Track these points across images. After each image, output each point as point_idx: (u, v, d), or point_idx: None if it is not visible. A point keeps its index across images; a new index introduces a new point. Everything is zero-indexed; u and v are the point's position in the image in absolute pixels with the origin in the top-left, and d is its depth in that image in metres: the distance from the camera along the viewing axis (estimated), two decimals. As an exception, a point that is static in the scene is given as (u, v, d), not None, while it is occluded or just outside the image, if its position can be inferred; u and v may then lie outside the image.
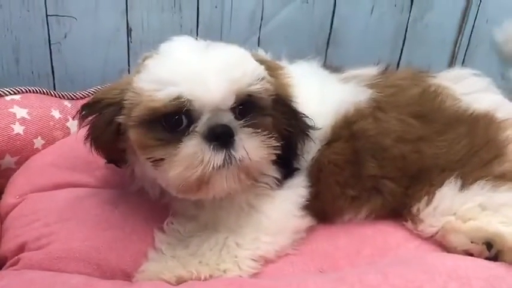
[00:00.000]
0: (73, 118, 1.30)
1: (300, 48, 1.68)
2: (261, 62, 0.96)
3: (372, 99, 1.05)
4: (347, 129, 1.01)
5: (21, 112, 1.21)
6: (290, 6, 1.65)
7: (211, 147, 0.84)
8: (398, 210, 1.05)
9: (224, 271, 0.91)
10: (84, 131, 0.99)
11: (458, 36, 1.70)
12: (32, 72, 1.56)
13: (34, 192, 1.11)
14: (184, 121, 0.86)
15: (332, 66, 1.22)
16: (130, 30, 1.58)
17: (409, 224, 1.03)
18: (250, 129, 0.87)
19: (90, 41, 1.56)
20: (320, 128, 0.98)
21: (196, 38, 0.97)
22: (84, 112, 0.97)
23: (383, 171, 1.02)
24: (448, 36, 1.70)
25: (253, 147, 0.86)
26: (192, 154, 0.84)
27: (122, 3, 1.54)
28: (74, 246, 0.96)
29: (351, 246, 1.01)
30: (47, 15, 1.49)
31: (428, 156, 1.02)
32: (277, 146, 0.90)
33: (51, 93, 1.36)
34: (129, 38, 1.59)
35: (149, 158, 0.89)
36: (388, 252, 0.98)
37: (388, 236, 1.03)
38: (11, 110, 1.20)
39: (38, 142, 1.23)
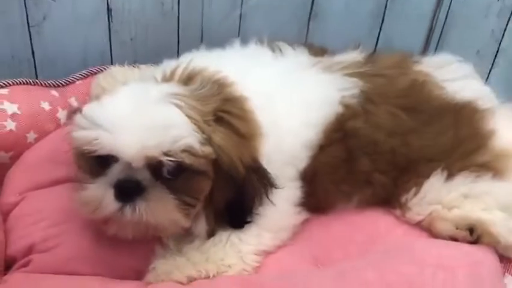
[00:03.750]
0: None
1: (282, 23, 1.69)
2: (231, 126, 0.93)
3: (361, 92, 1.08)
4: (340, 131, 1.04)
5: (11, 108, 1.20)
6: (272, -19, 1.64)
7: (112, 195, 0.87)
8: (387, 199, 1.12)
9: (229, 266, 0.97)
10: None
11: (435, 12, 1.72)
12: (12, 57, 1.52)
13: (34, 189, 1.12)
14: (105, 162, 0.89)
15: (314, 47, 1.24)
16: (111, 10, 1.55)
17: (397, 212, 1.11)
18: (166, 191, 0.89)
19: (70, 23, 1.51)
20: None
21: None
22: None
23: (374, 165, 1.07)
24: (426, 11, 1.73)
25: (158, 209, 0.88)
26: (92, 196, 0.89)
27: (101, -18, 1.49)
28: (84, 247, 0.99)
29: (344, 234, 1.08)
30: (24, -3, 1.44)
31: (416, 149, 1.07)
32: (193, 211, 0.93)
33: (36, 83, 1.34)
34: (110, 18, 1.56)
35: (78, 181, 0.95)
36: (378, 239, 1.06)
37: (377, 223, 1.10)
38: (1, 106, 1.19)
39: (31, 136, 1.23)
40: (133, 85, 0.98)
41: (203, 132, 0.90)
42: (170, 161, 0.86)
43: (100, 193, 0.88)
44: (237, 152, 0.92)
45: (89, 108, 0.91)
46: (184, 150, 0.86)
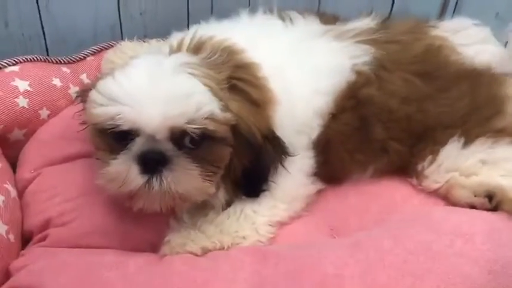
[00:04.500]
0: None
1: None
2: (245, 93, 0.93)
3: (374, 59, 1.06)
4: (352, 99, 1.03)
5: (23, 85, 1.20)
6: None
7: (138, 169, 0.86)
8: (403, 168, 1.10)
9: (244, 237, 0.97)
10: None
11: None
12: (23, 34, 1.52)
13: (48, 165, 1.13)
14: (126, 136, 0.88)
15: (326, 16, 1.21)
16: (119, -17, 1.53)
17: (413, 180, 1.09)
18: (189, 160, 0.88)
19: (79, -2, 1.51)
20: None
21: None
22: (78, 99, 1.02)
23: (389, 133, 1.05)
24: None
25: (184, 179, 0.88)
26: (117, 172, 0.88)
27: (109, -45, 1.48)
28: (99, 221, 1.00)
29: (360, 204, 1.07)
30: (31, -27, 1.43)
31: (432, 115, 1.05)
32: (216, 178, 0.92)
33: (47, 60, 1.33)
34: (119, -8, 1.54)
35: (97, 158, 0.94)
36: (394, 209, 1.05)
37: (394, 192, 1.09)
38: (12, 83, 1.19)
39: (44, 113, 1.23)
40: (144, 57, 0.96)
41: (221, 100, 0.89)
42: (194, 128, 0.86)
43: (124, 168, 0.87)
44: (253, 120, 0.92)
45: (103, 84, 0.89)
46: (207, 117, 0.86)
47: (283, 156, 0.96)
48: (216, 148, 0.91)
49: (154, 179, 0.86)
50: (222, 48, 0.97)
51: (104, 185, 0.91)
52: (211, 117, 0.87)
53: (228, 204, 1.00)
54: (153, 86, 0.86)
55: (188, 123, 0.85)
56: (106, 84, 0.89)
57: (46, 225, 1.02)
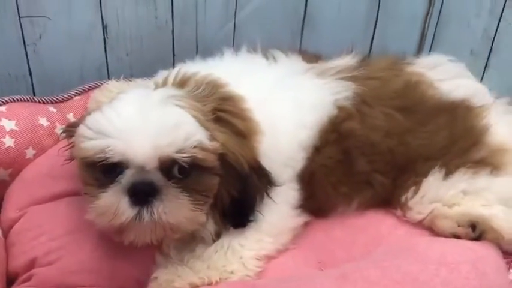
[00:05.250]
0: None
1: (276, 33, 1.70)
2: (230, 125, 0.96)
3: (355, 94, 1.09)
4: (335, 132, 1.05)
5: (9, 124, 1.21)
6: (264, -9, 1.66)
7: (128, 201, 0.87)
8: (387, 200, 1.12)
9: (231, 272, 0.97)
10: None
11: (428, 11, 1.74)
12: (9, 74, 1.53)
13: (34, 204, 1.12)
14: (115, 170, 0.89)
15: (308, 54, 1.25)
16: (106, 25, 1.57)
17: (398, 212, 1.11)
18: (179, 190, 0.89)
19: (66, 40, 1.53)
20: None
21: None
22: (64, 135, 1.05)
23: (373, 166, 1.08)
24: (418, 12, 1.75)
25: (175, 209, 0.88)
26: (107, 205, 0.88)
27: (96, -2, 1.52)
28: (85, 259, 0.99)
29: (346, 237, 1.08)
30: (19, 17, 1.46)
31: (413, 148, 1.08)
32: (205, 208, 0.93)
33: (34, 100, 1.35)
34: (105, 34, 1.58)
35: (85, 193, 0.94)
36: (380, 241, 1.06)
37: (379, 224, 1.10)
38: (-1, 123, 1.20)
39: (30, 152, 1.23)
40: (131, 92, 0.99)
41: (207, 130, 0.91)
42: (184, 157, 0.87)
43: (114, 200, 0.87)
44: (239, 150, 0.94)
45: (92, 118, 0.91)
46: (196, 146, 0.88)
47: (268, 186, 0.98)
48: (204, 177, 0.92)
49: (144, 211, 0.87)
50: (206, 82, 1.00)
51: (93, 219, 0.90)
52: (200, 146, 0.88)
53: (217, 235, 1.00)
54: (142, 117, 0.88)
55: (178, 152, 0.87)
56: (95, 119, 0.90)
57: (31, 265, 1.01)
